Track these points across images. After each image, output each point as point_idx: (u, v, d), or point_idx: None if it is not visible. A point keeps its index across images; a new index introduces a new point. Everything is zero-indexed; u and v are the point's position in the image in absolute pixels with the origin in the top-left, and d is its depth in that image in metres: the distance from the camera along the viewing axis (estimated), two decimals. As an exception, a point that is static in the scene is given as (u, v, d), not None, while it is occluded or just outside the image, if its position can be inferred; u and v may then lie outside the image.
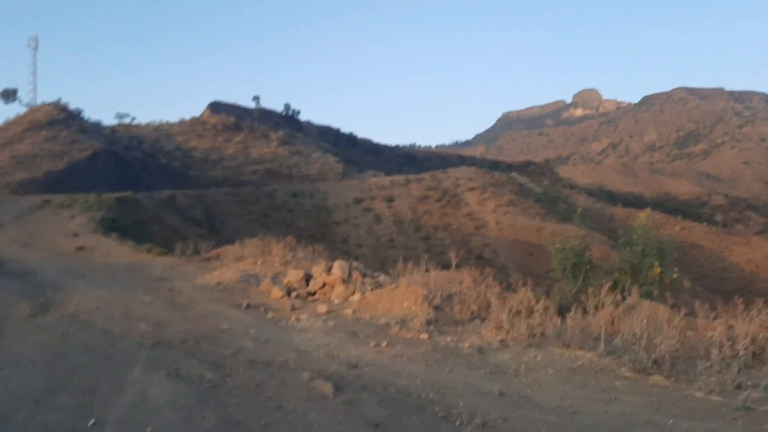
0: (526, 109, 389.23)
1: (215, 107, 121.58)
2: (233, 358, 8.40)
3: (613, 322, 8.11)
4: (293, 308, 12.02)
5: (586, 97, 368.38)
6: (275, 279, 14.99)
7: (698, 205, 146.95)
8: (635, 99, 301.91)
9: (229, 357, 8.43)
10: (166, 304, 12.76)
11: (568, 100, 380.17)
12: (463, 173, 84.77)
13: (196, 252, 24.04)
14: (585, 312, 9.55)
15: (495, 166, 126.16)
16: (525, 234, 71.59)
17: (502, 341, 8.76)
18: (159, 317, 11.22)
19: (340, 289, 12.73)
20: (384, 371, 7.83)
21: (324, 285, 13.23)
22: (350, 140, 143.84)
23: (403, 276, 13.77)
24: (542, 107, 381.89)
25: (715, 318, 7.88)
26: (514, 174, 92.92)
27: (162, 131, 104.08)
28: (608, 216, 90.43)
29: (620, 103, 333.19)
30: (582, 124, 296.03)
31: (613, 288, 9.41)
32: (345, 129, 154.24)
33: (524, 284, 10.21)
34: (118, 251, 25.66)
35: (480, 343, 8.78)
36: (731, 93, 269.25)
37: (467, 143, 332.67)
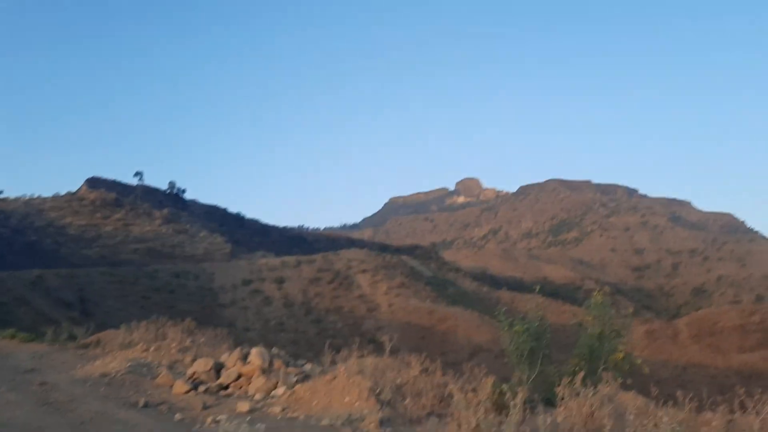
0: (412, 195, 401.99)
1: (93, 183, 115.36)
2: None
3: (593, 417, 7.21)
4: (205, 407, 10.10)
5: (468, 185, 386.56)
6: (173, 369, 13.05)
7: (573, 289, 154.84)
8: (513, 188, 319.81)
9: None
10: (37, 405, 10.45)
11: (451, 187, 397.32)
12: (355, 255, 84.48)
13: (72, 338, 21.33)
14: (552, 405, 8.68)
15: (384, 249, 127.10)
16: (417, 317, 71.55)
17: None
18: (30, 424, 9.08)
19: (260, 381, 10.91)
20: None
21: (239, 376, 11.35)
22: (238, 220, 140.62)
23: (333, 364, 12.31)
24: (427, 193, 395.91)
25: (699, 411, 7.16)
26: (404, 257, 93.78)
27: (33, 206, 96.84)
28: (494, 299, 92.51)
29: (499, 191, 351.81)
30: (464, 210, 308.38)
31: (574, 375, 8.58)
32: (232, 209, 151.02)
33: (484, 373, 9.16)
34: (-26, 337, 22.51)
35: None
36: (598, 185, 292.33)
37: (355, 226, 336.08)
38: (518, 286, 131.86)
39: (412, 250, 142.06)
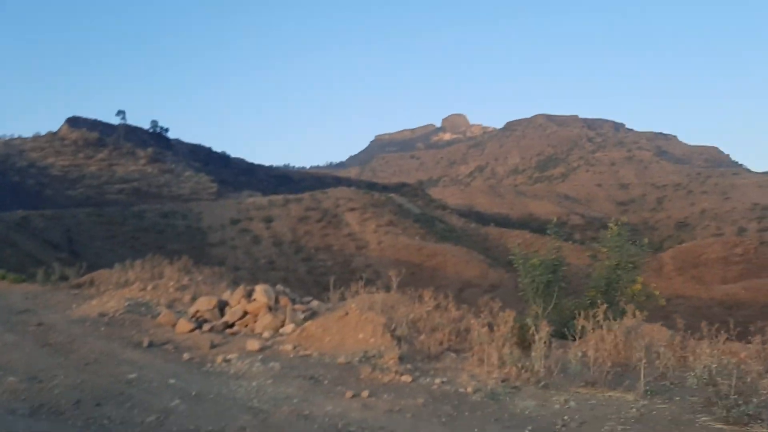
0: (398, 132, 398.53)
1: (74, 122, 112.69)
2: (162, 429, 6.08)
3: (620, 348, 6.98)
4: (213, 345, 9.69)
5: (455, 121, 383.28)
6: (172, 308, 12.73)
7: (559, 225, 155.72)
8: (499, 124, 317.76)
9: (154, 428, 6.09)
10: (38, 346, 9.97)
11: (438, 124, 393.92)
12: (343, 194, 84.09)
13: (64, 278, 20.95)
14: (572, 338, 8.46)
15: (371, 187, 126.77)
16: (406, 254, 71.84)
17: (505, 381, 7.24)
18: (32, 366, 8.53)
19: (266, 319, 10.58)
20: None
21: (245, 314, 11.00)
22: (223, 159, 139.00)
23: (341, 300, 12.04)
24: (413, 131, 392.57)
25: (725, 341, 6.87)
26: (393, 195, 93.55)
27: (13, 147, 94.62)
28: (483, 236, 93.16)
29: (486, 128, 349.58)
30: (451, 147, 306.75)
31: (590, 308, 8.32)
32: (217, 148, 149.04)
33: (501, 308, 8.83)
34: (-38, 280, 21.89)
35: (480, 386, 7.21)
36: (585, 120, 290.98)
37: (341, 165, 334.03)
38: (505, 222, 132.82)
39: (398, 188, 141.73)
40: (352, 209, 78.75)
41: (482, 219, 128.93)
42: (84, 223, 62.43)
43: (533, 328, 7.55)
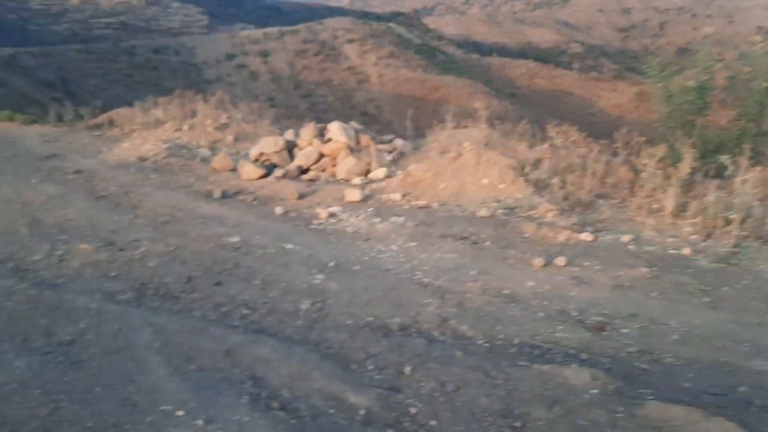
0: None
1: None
2: (330, 320, 4.78)
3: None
4: (301, 195, 8.51)
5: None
6: (214, 149, 12.30)
7: (558, 54, 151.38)
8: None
9: (320, 319, 4.76)
10: (90, 199, 8.77)
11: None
12: (340, 24, 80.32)
13: (78, 117, 20.30)
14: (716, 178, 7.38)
15: (365, 17, 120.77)
16: (408, 87, 70.14)
17: (710, 237, 6.06)
18: (98, 226, 7.26)
19: (349, 162, 9.41)
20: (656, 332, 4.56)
21: (321, 157, 9.85)
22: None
23: (419, 138, 11.40)
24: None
25: None
26: (392, 24, 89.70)
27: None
28: (485, 66, 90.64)
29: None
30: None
31: (740, 140, 7.60)
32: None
33: (637, 142, 8.01)
34: (-37, 122, 20.34)
35: (683, 244, 6.01)
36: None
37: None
38: (503, 52, 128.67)
39: (393, 18, 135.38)
40: (351, 41, 75.83)
41: (480, 49, 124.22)
42: (75, 61, 60.13)
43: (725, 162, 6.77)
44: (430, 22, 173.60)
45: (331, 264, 6.12)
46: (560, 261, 5.95)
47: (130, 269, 6.01)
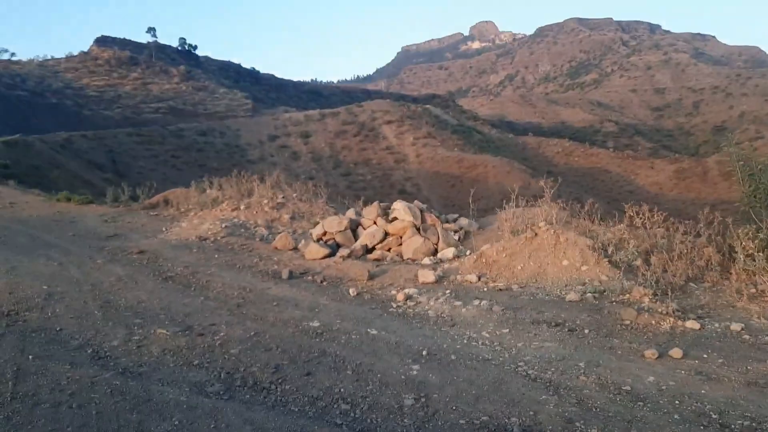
0: (425, 42, 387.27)
1: (103, 42, 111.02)
2: (437, 419, 4.30)
3: None
4: (371, 276, 8.18)
5: (483, 29, 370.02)
6: (270, 228, 12.25)
7: (592, 133, 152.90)
8: (530, 30, 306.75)
9: (426, 419, 4.30)
10: (158, 280, 8.69)
11: (466, 32, 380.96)
12: (379, 106, 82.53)
13: (133, 198, 20.63)
14: None
15: (401, 99, 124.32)
16: (446, 166, 70.96)
17: None
18: (172, 309, 7.11)
19: (415, 241, 9.12)
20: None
21: (385, 236, 9.65)
22: (252, 76, 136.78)
23: (481, 217, 11.19)
24: (440, 40, 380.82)
25: None
26: (429, 106, 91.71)
27: (47, 68, 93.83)
28: (521, 145, 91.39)
29: (516, 34, 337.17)
30: (480, 56, 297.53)
31: None
32: (245, 65, 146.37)
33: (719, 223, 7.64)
34: (26, 202, 20.93)
35: None
36: (619, 23, 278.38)
37: (369, 78, 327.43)
38: (537, 131, 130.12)
39: (429, 100, 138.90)
40: (389, 122, 77.50)
41: (514, 129, 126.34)
42: (125, 143, 62.48)
43: None
44: (465, 103, 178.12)
45: (424, 352, 5.74)
46: (676, 353, 5.44)
47: (213, 357, 5.67)
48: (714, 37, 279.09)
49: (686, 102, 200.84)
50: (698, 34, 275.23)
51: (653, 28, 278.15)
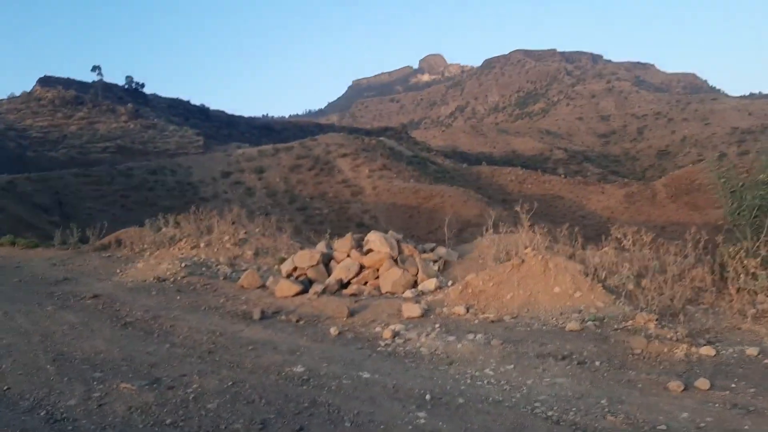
0: (375, 76, 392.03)
1: (46, 81, 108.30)
2: None
3: None
4: (352, 313, 7.69)
5: (432, 62, 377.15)
6: (235, 267, 11.56)
7: (542, 160, 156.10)
8: (477, 62, 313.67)
9: None
10: (117, 327, 7.95)
11: (415, 65, 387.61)
12: (333, 140, 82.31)
13: (83, 240, 19.59)
14: None
15: (354, 132, 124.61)
16: (402, 197, 70.91)
17: None
18: (135, 360, 6.40)
19: (393, 274, 8.58)
20: None
21: (360, 269, 9.07)
22: (202, 112, 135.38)
23: (458, 245, 10.73)
24: (390, 74, 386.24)
25: None
26: (383, 138, 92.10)
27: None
28: (475, 175, 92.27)
29: (464, 66, 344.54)
30: (430, 89, 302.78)
31: None
32: (194, 102, 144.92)
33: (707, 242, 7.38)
34: (-34, 248, 19.65)
35: None
36: (562, 53, 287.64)
37: (321, 112, 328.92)
38: (489, 160, 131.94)
39: (382, 132, 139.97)
40: (344, 155, 77.33)
41: (467, 159, 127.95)
42: (72, 185, 60.52)
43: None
44: (418, 134, 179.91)
45: (427, 396, 5.15)
46: (703, 384, 5.02)
47: (188, 413, 4.93)
48: (653, 65, 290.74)
49: (630, 128, 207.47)
50: (638, 62, 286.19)
51: (595, 58, 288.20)
